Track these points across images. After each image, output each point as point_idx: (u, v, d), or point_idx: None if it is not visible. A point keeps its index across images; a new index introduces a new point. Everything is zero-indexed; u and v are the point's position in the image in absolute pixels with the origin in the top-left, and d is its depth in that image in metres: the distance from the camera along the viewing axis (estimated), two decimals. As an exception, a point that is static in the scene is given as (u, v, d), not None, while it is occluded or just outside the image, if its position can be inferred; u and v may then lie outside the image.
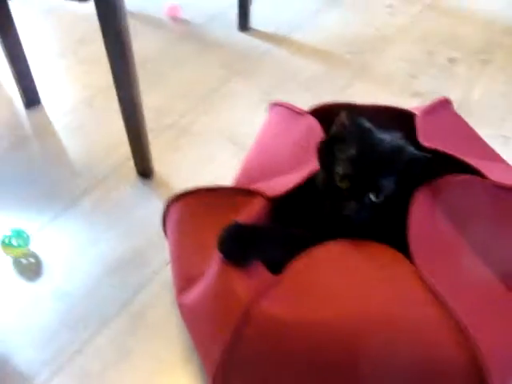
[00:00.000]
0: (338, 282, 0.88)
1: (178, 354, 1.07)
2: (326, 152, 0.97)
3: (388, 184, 0.92)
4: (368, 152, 0.93)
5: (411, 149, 0.94)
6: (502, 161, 1.12)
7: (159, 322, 1.12)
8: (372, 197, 0.91)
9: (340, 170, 0.93)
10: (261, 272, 0.89)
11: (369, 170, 0.91)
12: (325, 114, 1.12)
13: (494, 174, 0.96)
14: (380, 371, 0.82)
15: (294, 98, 1.29)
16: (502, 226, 0.93)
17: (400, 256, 0.90)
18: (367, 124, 0.96)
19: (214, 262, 0.92)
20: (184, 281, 1.01)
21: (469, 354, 0.80)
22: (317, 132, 1.08)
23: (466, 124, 1.15)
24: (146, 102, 1.34)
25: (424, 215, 0.91)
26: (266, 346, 0.85)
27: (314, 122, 1.12)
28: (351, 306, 0.84)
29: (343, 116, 0.96)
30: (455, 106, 1.22)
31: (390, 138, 0.96)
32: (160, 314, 1.13)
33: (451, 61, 1.85)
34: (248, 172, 1.17)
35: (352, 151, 0.93)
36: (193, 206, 1.05)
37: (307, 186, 0.98)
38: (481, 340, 0.80)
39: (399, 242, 0.90)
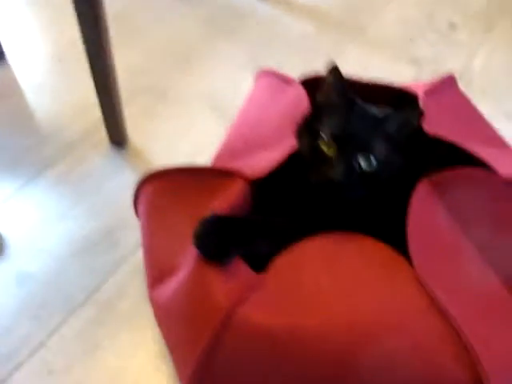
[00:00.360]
0: (328, 283, 0.79)
1: (151, 349, 0.98)
2: (309, 124, 0.89)
3: (380, 147, 0.83)
4: (357, 115, 0.85)
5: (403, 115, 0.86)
6: (508, 147, 1.02)
7: (130, 313, 1.03)
8: (362, 162, 0.83)
9: (326, 133, 0.84)
10: (242, 272, 0.80)
11: (358, 132, 0.83)
12: (316, 84, 1.00)
13: (503, 166, 0.86)
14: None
15: (281, 60, 1.17)
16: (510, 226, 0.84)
17: (398, 256, 0.81)
18: (354, 96, 0.89)
19: (190, 258, 0.82)
20: (157, 272, 0.91)
21: (471, 371, 0.72)
22: (304, 103, 0.97)
23: (471, 105, 1.05)
24: (120, 62, 1.20)
25: (426, 211, 0.82)
26: (247, 354, 0.76)
27: (301, 93, 1.00)
28: (342, 313, 0.75)
29: (329, 85, 0.89)
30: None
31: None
32: (131, 304, 1.04)
33: (452, 26, 1.72)
34: (231, 146, 1.05)
35: (339, 116, 0.85)
36: (166, 188, 0.94)
37: (292, 163, 0.88)
38: (483, 354, 0.72)
39: (397, 239, 0.81)
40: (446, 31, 1.71)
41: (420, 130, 0.88)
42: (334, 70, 0.87)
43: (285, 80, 1.08)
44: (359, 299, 0.77)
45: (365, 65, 1.52)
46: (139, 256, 1.08)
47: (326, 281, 0.79)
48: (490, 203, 0.84)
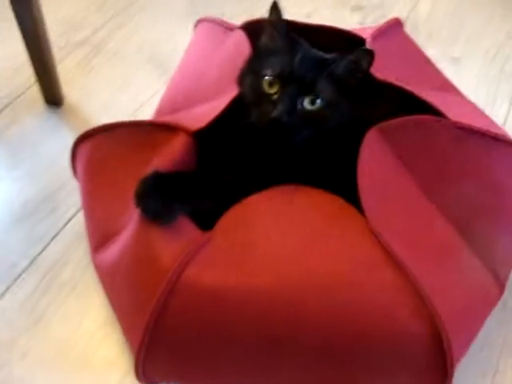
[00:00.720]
0: (279, 239, 0.76)
1: (99, 316, 0.94)
2: (252, 67, 0.85)
3: (326, 88, 0.80)
4: (302, 56, 0.81)
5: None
6: (457, 92, 1.01)
7: (75, 280, 0.98)
8: (306, 102, 0.79)
9: (269, 71, 0.80)
10: (188, 230, 0.76)
11: (302, 72, 0.80)
12: (259, 28, 0.96)
13: (452, 111, 0.85)
14: (328, 343, 0.72)
15: (223, 11, 1.11)
16: (462, 172, 0.82)
17: (350, 207, 0.79)
18: (298, 37, 0.85)
19: (133, 218, 0.78)
20: (99, 236, 0.87)
21: (427, 323, 0.70)
22: (245, 48, 0.92)
23: (418, 50, 1.03)
24: (54, 14, 1.13)
25: (375, 161, 0.80)
26: (196, 317, 0.73)
27: (243, 38, 0.96)
28: (294, 270, 0.73)
29: (270, 25, 0.84)
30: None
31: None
32: (76, 270, 0.99)
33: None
34: (172, 100, 1.00)
35: (282, 56, 0.81)
36: (105, 145, 0.89)
37: (236, 113, 0.84)
38: (440, 306, 0.71)
39: (349, 191, 0.79)
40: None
41: (369, 76, 0.85)
42: (274, 8, 0.83)
43: (226, 26, 1.03)
44: (311, 254, 0.74)
45: (308, 12, 1.48)
46: (81, 220, 1.03)
47: (277, 236, 0.76)
48: (440, 149, 0.82)
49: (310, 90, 0.80)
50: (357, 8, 1.53)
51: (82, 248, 1.00)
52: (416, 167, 0.81)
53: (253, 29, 0.95)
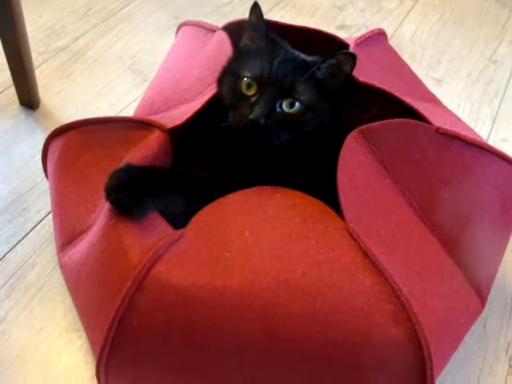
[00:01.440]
0: (254, 239, 0.72)
1: (62, 322, 0.89)
2: (231, 68, 0.83)
3: (306, 91, 0.78)
4: (282, 58, 0.80)
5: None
6: (440, 103, 1.00)
7: (39, 283, 0.93)
8: (285, 105, 0.78)
9: (247, 73, 0.79)
10: (158, 227, 0.73)
11: (282, 74, 0.78)
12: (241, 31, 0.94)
13: (434, 117, 0.83)
14: (303, 347, 0.68)
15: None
16: (445, 179, 0.80)
17: (328, 209, 0.76)
18: (279, 39, 0.84)
19: (102, 214, 0.75)
20: (67, 234, 0.82)
21: (407, 327, 0.68)
22: (226, 49, 0.90)
23: (401, 60, 1.02)
24: (36, 21, 1.11)
25: (356, 164, 0.78)
26: (163, 316, 0.69)
27: (224, 38, 0.94)
28: (268, 271, 0.69)
29: (250, 29, 0.83)
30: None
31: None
32: (41, 274, 0.95)
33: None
34: (150, 102, 0.97)
35: (262, 57, 0.80)
36: (77, 142, 0.86)
37: (214, 113, 0.82)
38: (420, 313, 0.68)
39: (329, 194, 0.76)
40: (375, -1, 1.68)
41: (352, 79, 0.83)
42: (254, 9, 0.81)
43: (208, 28, 1.01)
44: (287, 255, 0.71)
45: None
46: (50, 223, 0.99)
47: (251, 237, 0.73)
48: (422, 154, 0.80)
49: (289, 93, 0.78)
50: (341, 27, 1.54)
51: (50, 251, 0.96)
52: (397, 171, 0.79)
53: (235, 30, 0.94)
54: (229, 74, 0.83)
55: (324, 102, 0.81)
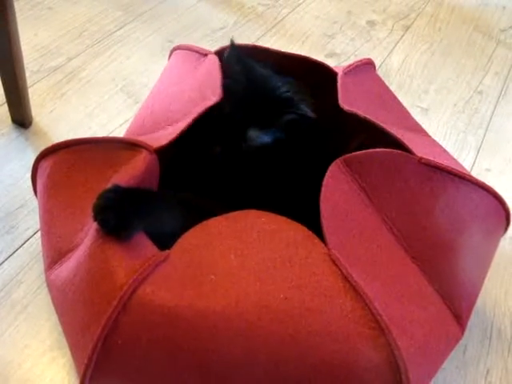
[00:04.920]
0: (238, 263, 0.74)
1: (47, 340, 0.90)
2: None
3: (257, 136, 0.82)
4: (245, 97, 0.84)
5: (300, 106, 0.84)
6: (425, 133, 1.02)
7: (25, 300, 0.94)
8: (244, 144, 0.82)
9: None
10: (145, 248, 0.74)
11: (239, 116, 0.82)
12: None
13: (418, 148, 0.85)
14: (283, 371, 0.69)
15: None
16: (426, 208, 0.82)
17: (311, 235, 0.77)
18: (252, 64, 0.88)
19: (90, 234, 0.76)
20: (55, 253, 0.83)
21: (386, 351, 0.69)
22: (217, 73, 0.92)
23: (388, 90, 1.04)
24: (31, 40, 1.13)
25: (338, 191, 0.80)
26: (147, 336, 0.70)
27: (216, 62, 0.96)
28: (251, 294, 0.71)
29: (227, 53, 0.88)
30: (373, 71, 1.10)
31: (280, 85, 0.86)
32: (26, 291, 0.95)
33: (370, 24, 1.73)
34: (141, 123, 0.99)
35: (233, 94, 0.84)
36: (67, 161, 0.87)
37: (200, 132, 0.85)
38: (399, 338, 0.69)
39: (312, 219, 0.78)
40: (364, 28, 1.71)
41: (337, 108, 0.86)
42: (232, 47, 0.85)
43: (200, 53, 1.02)
44: (270, 279, 0.72)
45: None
46: (38, 241, 1.00)
47: (236, 260, 0.74)
48: (404, 184, 0.82)
49: (242, 134, 0.82)
50: (331, 55, 1.56)
51: (38, 269, 0.97)
52: (379, 199, 0.81)
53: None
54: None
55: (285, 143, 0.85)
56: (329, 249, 0.75)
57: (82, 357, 0.72)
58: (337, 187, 0.79)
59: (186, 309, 0.69)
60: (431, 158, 0.83)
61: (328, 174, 0.79)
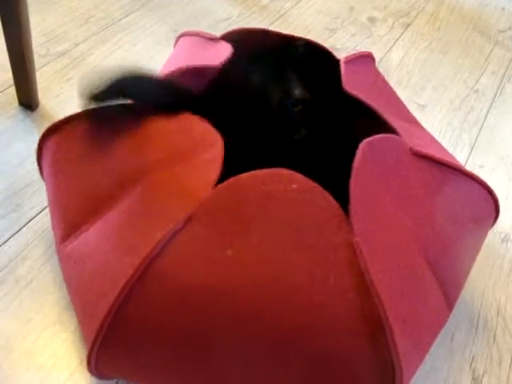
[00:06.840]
0: (256, 238, 0.71)
1: (49, 315, 0.93)
2: None
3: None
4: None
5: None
6: (420, 126, 1.05)
7: (29, 276, 0.97)
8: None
9: None
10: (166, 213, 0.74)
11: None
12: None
13: (411, 138, 0.88)
14: (283, 358, 0.72)
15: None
16: (421, 197, 0.84)
17: (339, 214, 0.73)
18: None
19: (115, 209, 0.78)
20: (68, 226, 0.84)
21: (385, 353, 0.70)
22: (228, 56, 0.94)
23: (386, 82, 1.07)
24: (39, 25, 1.15)
25: (369, 177, 0.77)
26: (158, 310, 0.71)
27: (227, 46, 0.97)
28: (264, 274, 0.70)
29: None
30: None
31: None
32: (31, 267, 0.98)
33: (371, 20, 1.76)
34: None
35: None
36: (74, 135, 0.88)
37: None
38: (400, 337, 0.70)
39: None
40: (365, 24, 1.74)
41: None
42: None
43: (208, 37, 1.03)
44: (285, 264, 0.71)
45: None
46: (43, 219, 1.04)
47: (256, 235, 0.71)
48: (404, 171, 0.83)
49: None
50: (332, 49, 1.59)
51: (42, 246, 1.00)
52: (393, 186, 0.81)
53: (234, 39, 1.00)
54: None
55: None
56: (354, 235, 0.71)
57: (94, 324, 0.73)
58: (366, 172, 0.77)
59: (197, 288, 0.70)
60: (424, 150, 0.85)
61: (358, 156, 0.75)
